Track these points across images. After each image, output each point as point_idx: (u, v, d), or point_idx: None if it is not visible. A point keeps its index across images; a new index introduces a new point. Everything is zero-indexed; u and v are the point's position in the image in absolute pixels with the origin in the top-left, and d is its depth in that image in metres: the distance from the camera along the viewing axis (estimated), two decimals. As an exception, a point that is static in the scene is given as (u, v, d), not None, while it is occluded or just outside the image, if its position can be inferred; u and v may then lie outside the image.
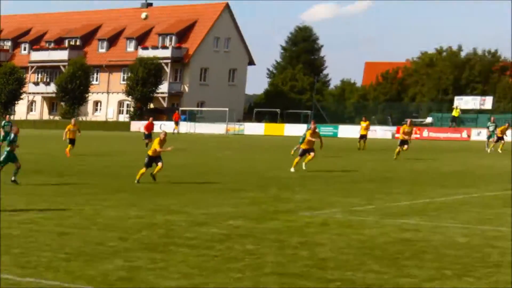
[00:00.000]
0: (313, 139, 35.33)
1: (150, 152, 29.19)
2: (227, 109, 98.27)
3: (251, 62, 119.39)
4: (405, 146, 43.57)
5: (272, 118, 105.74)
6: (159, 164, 28.77)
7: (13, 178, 28.08)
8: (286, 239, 17.11)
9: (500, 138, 54.29)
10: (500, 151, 51.89)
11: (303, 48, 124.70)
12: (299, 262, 14.61)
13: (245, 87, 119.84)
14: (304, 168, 34.56)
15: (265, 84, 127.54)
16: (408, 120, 49.60)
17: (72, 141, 45.51)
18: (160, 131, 30.23)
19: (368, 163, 42.19)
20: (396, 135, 71.43)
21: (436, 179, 32.67)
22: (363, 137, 54.90)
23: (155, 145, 28.90)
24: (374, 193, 26.67)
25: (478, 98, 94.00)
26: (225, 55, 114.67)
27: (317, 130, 36.80)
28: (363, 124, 56.21)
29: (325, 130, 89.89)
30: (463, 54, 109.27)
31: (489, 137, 57.26)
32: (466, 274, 13.57)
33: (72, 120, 48.97)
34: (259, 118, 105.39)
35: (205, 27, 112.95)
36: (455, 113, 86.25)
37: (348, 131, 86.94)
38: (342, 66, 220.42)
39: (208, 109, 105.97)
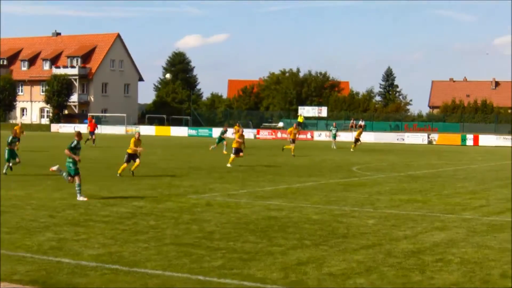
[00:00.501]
0: (241, 140, 34.72)
1: (129, 150, 27.49)
2: (125, 115, 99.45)
3: (141, 79, 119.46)
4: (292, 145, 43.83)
5: (160, 122, 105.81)
6: (137, 161, 27.43)
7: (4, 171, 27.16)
8: (180, 217, 16.87)
9: (357, 140, 53.99)
10: (352, 150, 52.07)
11: (179, 69, 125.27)
12: (192, 234, 14.41)
13: (137, 98, 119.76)
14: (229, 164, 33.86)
15: (153, 95, 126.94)
16: (294, 124, 50.72)
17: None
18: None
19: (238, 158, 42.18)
20: (283, 135, 71.79)
21: (291, 170, 32.82)
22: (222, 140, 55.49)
23: (131, 144, 27.41)
24: (245, 181, 26.58)
25: (316, 108, 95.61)
26: (120, 73, 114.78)
27: (243, 133, 36.24)
28: (236, 128, 56.41)
29: (202, 131, 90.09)
30: (301, 74, 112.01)
31: (334, 136, 58.20)
32: (321, 243, 13.58)
33: (19, 123, 49.22)
34: (150, 122, 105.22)
35: (102, 51, 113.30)
36: (300, 119, 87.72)
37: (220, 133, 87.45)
38: (211, 82, 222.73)
39: (110, 114, 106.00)
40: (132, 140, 27.68)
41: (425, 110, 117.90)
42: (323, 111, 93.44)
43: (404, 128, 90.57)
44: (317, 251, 12.83)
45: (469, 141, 75.22)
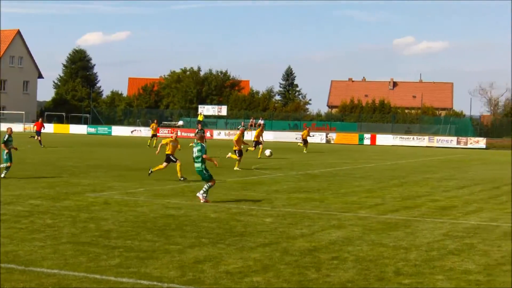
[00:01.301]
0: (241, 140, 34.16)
1: (168, 152, 26.61)
2: (23, 112, 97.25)
3: (40, 76, 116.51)
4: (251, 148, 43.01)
5: (59, 120, 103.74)
6: (177, 162, 26.45)
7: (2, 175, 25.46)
8: (77, 215, 16.60)
9: (305, 141, 52.76)
10: (305, 152, 51.69)
11: (79, 66, 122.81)
12: (89, 233, 14.21)
13: (36, 95, 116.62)
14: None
15: (52, 93, 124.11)
16: (261, 124, 51.05)
17: None
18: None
19: (136, 156, 41.88)
20: (182, 134, 71.42)
21: (191, 168, 32.66)
22: (154, 136, 54.96)
23: (168, 146, 26.71)
24: (143, 179, 26.33)
25: (216, 107, 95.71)
26: (19, 70, 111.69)
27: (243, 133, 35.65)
28: (154, 125, 56.07)
29: (101, 129, 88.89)
30: (202, 73, 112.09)
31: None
32: (219, 242, 13.58)
33: None
34: (49, 120, 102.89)
35: (2, 48, 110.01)
36: (199, 117, 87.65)
37: (120, 131, 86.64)
38: (112, 80, 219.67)
39: (8, 112, 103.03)
40: (167, 140, 27.13)
41: (324, 110, 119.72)
42: (223, 110, 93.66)
43: (303, 127, 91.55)
44: (214, 249, 12.83)
45: (367, 141, 76.82)
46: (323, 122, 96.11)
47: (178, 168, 26.38)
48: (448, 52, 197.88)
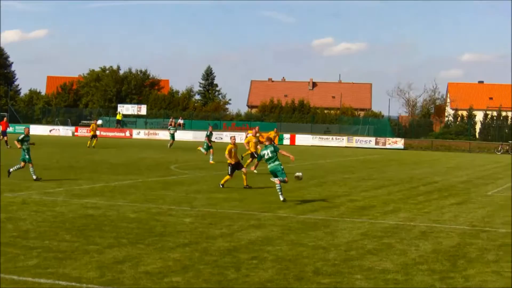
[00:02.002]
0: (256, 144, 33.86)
1: (232, 162, 24.92)
2: None
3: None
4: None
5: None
6: (243, 170, 25.25)
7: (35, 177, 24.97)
8: (-7, 216, 16.23)
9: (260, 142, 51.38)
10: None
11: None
12: (6, 233, 13.96)
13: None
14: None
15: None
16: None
17: None
18: None
19: (55, 155, 41.20)
20: (101, 133, 70.10)
21: (109, 168, 32.42)
22: (94, 136, 53.82)
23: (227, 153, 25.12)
24: (62, 179, 25.95)
25: (136, 106, 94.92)
26: None
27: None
28: (94, 126, 55.04)
29: (19, 128, 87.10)
30: (121, 72, 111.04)
31: (173, 137, 57.07)
32: (138, 242, 13.51)
33: None
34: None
35: None
36: (118, 116, 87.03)
37: (38, 130, 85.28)
38: (30, 79, 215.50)
39: None
40: (228, 148, 25.35)
41: (244, 110, 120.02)
42: (143, 109, 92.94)
43: (222, 127, 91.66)
44: (133, 249, 12.74)
45: (286, 141, 77.37)
46: (243, 122, 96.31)
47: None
48: (366, 53, 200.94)
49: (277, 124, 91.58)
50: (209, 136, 39.50)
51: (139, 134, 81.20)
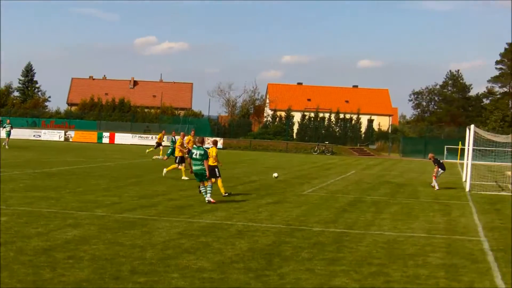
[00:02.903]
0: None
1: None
2: None
3: None
4: None
5: None
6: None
7: None
8: None
9: (158, 144, 49.11)
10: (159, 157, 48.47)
11: None
12: None
13: None
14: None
15: None
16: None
17: None
18: None
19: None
20: None
21: None
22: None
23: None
24: None
25: None
26: None
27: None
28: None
29: None
30: None
31: (8, 134, 54.53)
32: None
33: None
34: None
35: None
36: None
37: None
38: None
39: None
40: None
41: (64, 107, 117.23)
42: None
43: (41, 125, 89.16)
44: None
45: (105, 139, 76.51)
46: (62, 119, 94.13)
47: None
48: (188, 53, 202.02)
49: (97, 123, 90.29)
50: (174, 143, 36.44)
51: None
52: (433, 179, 32.04)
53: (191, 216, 18.49)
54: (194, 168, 21.81)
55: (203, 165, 21.69)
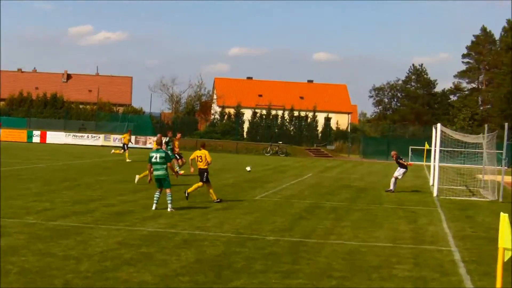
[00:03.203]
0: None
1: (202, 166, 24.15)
2: None
3: None
4: None
5: None
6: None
7: None
8: None
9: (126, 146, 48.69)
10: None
11: None
12: None
13: None
14: None
15: None
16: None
17: None
18: None
19: None
20: None
21: None
22: None
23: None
24: None
25: None
26: None
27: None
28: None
29: None
30: None
31: None
32: None
33: None
34: None
35: None
36: None
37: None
38: None
39: None
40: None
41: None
42: None
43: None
44: None
45: (36, 138, 75.64)
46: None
47: None
48: (127, 44, 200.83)
49: (27, 120, 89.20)
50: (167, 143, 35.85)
51: None
52: (393, 178, 32.45)
53: (131, 224, 18.28)
54: (155, 173, 21.54)
55: (165, 169, 21.43)
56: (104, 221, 18.64)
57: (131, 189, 27.65)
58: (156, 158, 21.44)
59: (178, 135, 36.78)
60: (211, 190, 24.49)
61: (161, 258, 13.94)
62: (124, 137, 47.31)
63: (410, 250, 16.43)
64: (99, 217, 19.26)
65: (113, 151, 48.79)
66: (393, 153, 33.76)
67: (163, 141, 35.83)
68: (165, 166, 21.41)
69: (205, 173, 24.03)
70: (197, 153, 24.49)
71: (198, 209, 22.24)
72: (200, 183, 24.06)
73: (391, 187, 32.18)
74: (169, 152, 34.99)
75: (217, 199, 24.42)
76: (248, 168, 29.62)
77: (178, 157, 34.67)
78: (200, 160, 24.21)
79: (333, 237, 17.90)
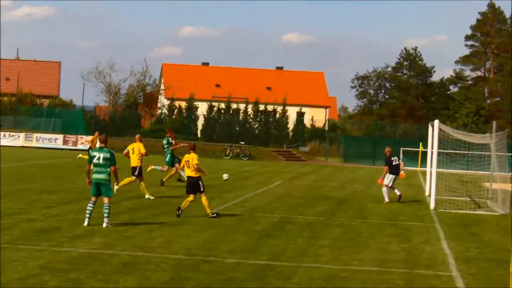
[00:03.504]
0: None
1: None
2: None
3: None
4: None
5: None
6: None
7: None
8: None
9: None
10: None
11: None
12: None
13: None
14: None
15: None
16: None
17: None
18: None
19: None
20: None
21: None
22: None
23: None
24: None
25: None
26: None
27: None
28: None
29: None
30: None
31: None
32: None
33: None
34: None
35: None
36: None
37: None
38: None
39: None
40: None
41: None
42: None
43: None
44: None
45: None
46: None
47: None
48: (55, 21, 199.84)
49: None
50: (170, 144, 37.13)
51: None
52: (383, 187, 32.52)
53: (58, 243, 18.18)
54: (94, 176, 21.39)
55: (107, 173, 21.31)
56: (24, 239, 18.55)
57: (60, 200, 27.48)
58: (98, 158, 21.25)
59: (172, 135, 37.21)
60: (204, 201, 24.76)
61: (95, 285, 13.86)
62: (92, 140, 47.21)
63: (401, 275, 16.49)
64: (18, 235, 19.15)
65: (80, 155, 48.52)
66: (387, 149, 33.18)
67: (164, 142, 36.78)
68: (108, 169, 21.27)
69: (200, 182, 24.63)
70: (186, 157, 24.71)
71: (141, 225, 22.15)
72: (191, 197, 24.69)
73: (386, 199, 32.16)
74: (168, 155, 35.75)
75: (213, 213, 24.85)
76: (225, 176, 29.22)
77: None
78: (188, 166, 24.41)
79: (308, 259, 17.91)
